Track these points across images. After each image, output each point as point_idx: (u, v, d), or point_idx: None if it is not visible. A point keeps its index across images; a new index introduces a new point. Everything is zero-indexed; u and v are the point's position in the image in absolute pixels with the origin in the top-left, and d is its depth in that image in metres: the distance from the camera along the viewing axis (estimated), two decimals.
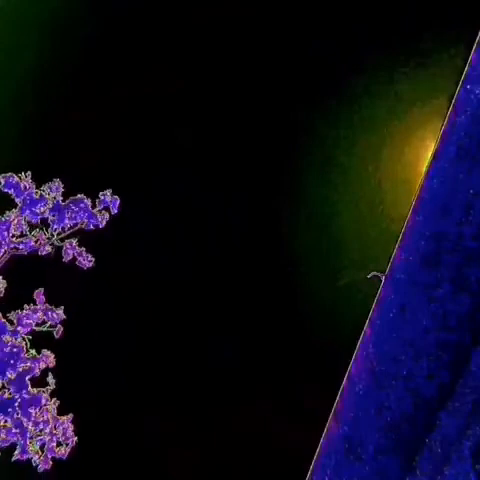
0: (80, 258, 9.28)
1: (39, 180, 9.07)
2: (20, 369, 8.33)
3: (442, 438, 6.15)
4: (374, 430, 6.89)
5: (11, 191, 8.71)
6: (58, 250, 9.23)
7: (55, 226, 9.03)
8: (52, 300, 9.26)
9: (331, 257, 12.30)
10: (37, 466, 8.79)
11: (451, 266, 6.48)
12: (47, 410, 8.76)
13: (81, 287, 11.70)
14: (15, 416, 8.27)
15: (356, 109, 12.31)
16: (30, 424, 8.39)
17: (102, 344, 12.49)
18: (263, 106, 12.72)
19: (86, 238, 9.50)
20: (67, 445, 9.11)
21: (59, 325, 9.10)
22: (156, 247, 12.79)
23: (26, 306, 8.87)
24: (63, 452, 9.05)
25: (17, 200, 8.77)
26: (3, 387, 8.34)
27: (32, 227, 9.04)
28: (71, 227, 9.19)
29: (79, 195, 9.16)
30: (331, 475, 7.36)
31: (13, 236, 8.80)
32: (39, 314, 8.92)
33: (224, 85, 12.90)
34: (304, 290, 12.30)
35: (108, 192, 9.33)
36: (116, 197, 9.39)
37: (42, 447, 8.85)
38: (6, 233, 8.59)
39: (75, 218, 9.08)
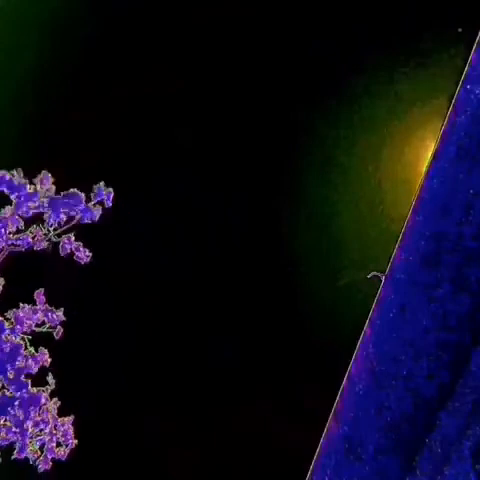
0: (77, 253, 9.25)
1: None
2: (17, 366, 8.32)
3: (442, 438, 6.15)
4: (374, 430, 6.89)
5: (4, 188, 8.65)
6: (55, 246, 9.20)
7: (51, 221, 8.97)
8: (50, 297, 9.25)
9: (331, 257, 12.30)
10: (37, 466, 8.79)
11: (451, 266, 6.48)
12: (47, 410, 8.76)
13: (80, 287, 11.71)
14: (15, 414, 8.27)
15: (356, 109, 12.31)
16: (30, 424, 8.38)
17: (101, 343, 12.49)
18: (263, 106, 12.72)
19: (86, 238, 9.50)
20: (67, 446, 9.10)
21: (59, 326, 9.09)
22: (156, 247, 12.79)
23: (24, 305, 8.86)
24: (62, 453, 9.05)
25: (12, 197, 8.71)
26: (3, 387, 8.34)
27: (27, 223, 8.99)
28: (67, 222, 9.13)
29: (72, 190, 9.07)
30: (331, 475, 7.36)
31: (10, 233, 8.77)
32: (39, 315, 8.92)
33: (224, 85, 12.90)
34: (304, 290, 12.30)
35: (101, 184, 9.22)
36: (110, 190, 9.29)
37: (42, 447, 8.85)
38: (3, 230, 8.57)
39: (69, 213, 9.02)
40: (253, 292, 12.46)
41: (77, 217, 9.09)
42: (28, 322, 8.74)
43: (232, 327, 12.27)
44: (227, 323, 12.27)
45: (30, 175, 8.94)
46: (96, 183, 9.25)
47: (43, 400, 8.62)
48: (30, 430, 8.44)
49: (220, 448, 12.15)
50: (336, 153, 12.43)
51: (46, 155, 12.59)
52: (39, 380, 8.80)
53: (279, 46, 12.70)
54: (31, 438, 8.59)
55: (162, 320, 12.57)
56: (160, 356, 12.56)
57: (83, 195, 9.07)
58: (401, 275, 7.15)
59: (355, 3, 12.27)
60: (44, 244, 9.04)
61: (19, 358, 8.36)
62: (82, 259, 9.28)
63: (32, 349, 8.60)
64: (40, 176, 8.89)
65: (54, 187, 8.99)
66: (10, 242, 8.77)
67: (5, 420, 8.33)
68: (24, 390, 8.32)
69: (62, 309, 9.20)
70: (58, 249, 9.19)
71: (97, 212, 9.18)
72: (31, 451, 8.64)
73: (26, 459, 8.66)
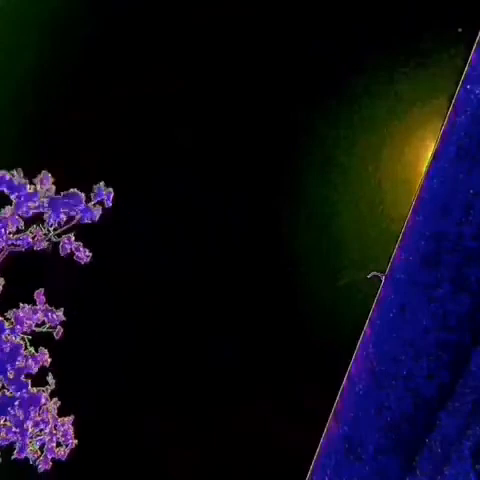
0: (77, 253, 9.25)
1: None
2: (17, 366, 8.32)
3: (442, 438, 6.15)
4: (374, 430, 6.89)
5: (4, 188, 8.65)
6: (55, 246, 9.20)
7: (51, 221, 8.98)
8: (50, 297, 9.25)
9: (331, 257, 12.30)
10: (37, 466, 8.79)
11: (451, 266, 6.47)
12: (47, 410, 8.76)
13: (80, 287, 11.71)
14: (15, 414, 8.26)
15: (356, 109, 12.31)
16: (30, 424, 8.38)
17: (101, 343, 12.49)
18: (263, 106, 12.72)
19: (86, 238, 9.50)
20: (67, 446, 9.10)
21: (59, 326, 9.08)
22: (156, 247, 12.79)
23: (24, 305, 8.85)
24: (62, 453, 9.04)
25: (12, 197, 8.72)
26: (3, 387, 8.34)
27: (27, 223, 8.99)
28: (67, 222, 9.13)
29: (72, 189, 9.08)
30: (331, 475, 7.36)
31: (10, 233, 8.77)
32: (39, 315, 8.91)
33: (224, 85, 12.90)
34: (304, 290, 12.30)
35: (101, 184, 9.22)
36: (110, 190, 9.29)
37: (42, 447, 8.85)
38: (3, 230, 8.57)
39: (69, 213, 9.02)
40: (253, 292, 12.45)
41: (77, 217, 9.09)
42: (28, 322, 8.74)
43: (232, 327, 12.26)
44: (227, 323, 12.27)
45: (30, 175, 8.93)
46: (96, 183, 9.25)
47: (43, 400, 8.61)
48: (30, 430, 8.44)
49: (220, 448, 12.14)
50: (336, 153, 12.43)
51: (46, 155, 12.59)
52: (39, 380, 8.80)
53: (279, 46, 12.70)
54: (31, 438, 8.59)
55: (162, 320, 12.57)
56: (160, 356, 12.56)
57: (83, 195, 9.07)
58: (401, 275, 7.15)
59: (355, 3, 12.27)
60: (44, 244, 9.04)
61: (19, 358, 8.35)
62: (82, 259, 9.28)
63: (32, 349, 8.60)
64: (40, 176, 8.89)
65: (54, 187, 8.99)
66: (10, 242, 8.77)
67: (5, 420, 8.33)
68: (24, 390, 8.32)
69: (62, 309, 9.20)
70: (58, 249, 9.19)
71: (97, 212, 9.18)
72: (31, 451, 8.64)
73: (26, 459, 8.66)
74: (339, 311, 11.73)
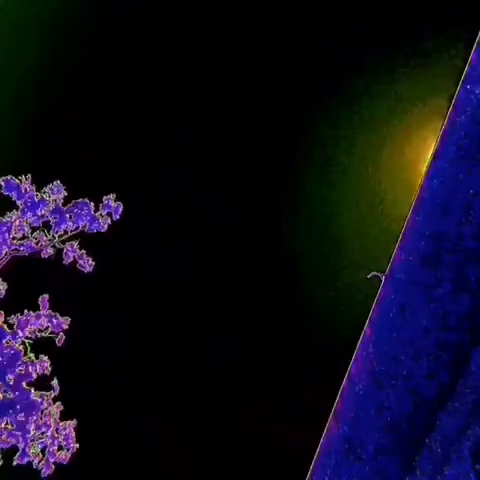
0: (81, 261, 9.29)
1: (40, 181, 9.07)
2: (18, 371, 8.31)
3: (442, 438, 6.15)
4: (374, 430, 6.88)
5: (12, 194, 8.71)
6: (59, 252, 9.23)
7: (56, 228, 9.04)
8: (53, 302, 9.25)
9: (331, 257, 12.30)
10: (39, 470, 8.77)
11: (451, 266, 6.47)
12: (49, 413, 8.75)
13: (82, 289, 11.69)
14: (17, 418, 8.25)
15: (356, 109, 12.31)
16: (32, 427, 8.36)
17: (103, 345, 12.48)
18: (263, 106, 12.72)
19: (87, 237, 9.50)
20: (68, 450, 9.07)
21: (61, 333, 9.05)
22: (156, 247, 12.78)
23: (28, 313, 8.85)
24: (64, 457, 9.01)
25: (18, 202, 8.77)
26: (5, 391, 8.32)
27: (34, 229, 9.04)
28: (73, 230, 9.21)
29: (81, 199, 9.16)
30: (331, 475, 7.36)
31: (14, 238, 8.80)
32: (42, 320, 8.90)
33: (224, 85, 12.89)
34: (304, 290, 12.30)
35: (112, 196, 9.35)
36: (119, 203, 9.41)
37: (43, 450, 8.83)
38: (7, 234, 8.58)
39: (77, 221, 9.10)
40: (253, 292, 12.45)
41: (84, 227, 9.16)
42: (31, 327, 8.73)
43: (232, 327, 12.26)
44: (227, 323, 12.26)
45: (30, 178, 8.95)
46: (95, 182, 9.26)
47: (45, 404, 8.60)
48: (32, 433, 8.41)
49: (220, 448, 12.14)
50: (336, 153, 12.43)
51: (46, 156, 12.59)
52: (42, 385, 8.79)
53: (279, 46, 12.70)
54: (32, 441, 8.57)
55: (162, 320, 12.57)
56: (161, 357, 12.55)
57: (92, 205, 9.16)
58: (401, 275, 7.15)
59: (355, 3, 12.26)
60: (50, 250, 9.08)
61: (19, 364, 8.34)
62: (85, 269, 9.30)
63: (32, 355, 8.58)
64: (51, 185, 8.95)
65: (62, 195, 9.05)
66: (13, 247, 8.77)
67: (6, 423, 8.32)
68: (25, 394, 8.31)
69: (68, 318, 9.17)
70: (61, 255, 9.23)
71: (104, 223, 9.26)
72: (33, 454, 8.61)
73: (29, 463, 8.64)
74: (339, 311, 11.73)
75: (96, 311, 12.22)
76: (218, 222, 12.76)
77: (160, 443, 12.40)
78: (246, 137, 12.78)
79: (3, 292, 8.78)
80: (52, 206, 8.93)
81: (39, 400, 8.47)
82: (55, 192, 8.96)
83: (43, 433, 8.70)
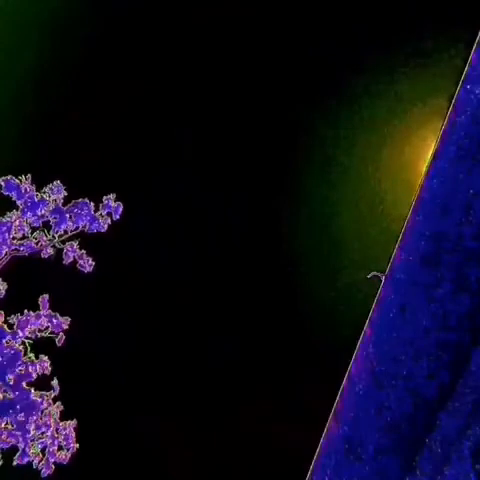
0: (81, 261, 9.29)
1: (40, 181, 9.07)
2: (18, 371, 8.32)
3: (442, 438, 6.15)
4: (374, 430, 6.88)
5: (12, 194, 8.71)
6: (59, 252, 9.24)
7: (56, 228, 9.04)
8: (53, 302, 9.25)
9: (331, 257, 12.30)
10: (37, 468, 8.77)
11: (451, 266, 6.47)
12: (49, 413, 8.75)
13: (82, 289, 11.69)
14: (17, 418, 8.25)
15: (356, 109, 12.31)
16: (32, 427, 8.36)
17: (103, 345, 12.48)
18: (263, 106, 12.72)
19: (87, 237, 9.50)
20: (68, 450, 9.07)
21: (61, 333, 9.06)
22: (156, 247, 12.78)
23: (28, 313, 8.85)
24: (64, 457, 9.01)
25: (18, 202, 8.78)
26: (5, 391, 8.33)
27: (34, 229, 9.05)
28: (73, 230, 9.21)
29: (81, 199, 9.16)
30: (331, 475, 7.36)
31: (14, 238, 8.80)
32: (42, 320, 8.90)
33: (224, 85, 12.89)
34: (304, 290, 12.30)
35: (112, 196, 9.35)
36: (119, 203, 9.41)
37: (43, 450, 8.83)
38: (7, 234, 8.58)
39: (77, 221, 9.10)
40: (253, 292, 12.45)
41: (84, 227, 9.17)
42: (31, 327, 8.74)
43: (232, 327, 12.26)
44: (227, 323, 12.26)
45: (30, 178, 8.95)
46: (95, 182, 9.27)
47: (45, 404, 8.61)
48: (32, 433, 8.42)
49: (220, 448, 12.14)
50: (336, 153, 12.43)
51: (46, 156, 12.59)
52: (42, 385, 8.79)
53: (279, 46, 12.69)
54: (32, 441, 8.57)
55: (162, 321, 12.57)
56: (161, 357, 12.55)
57: (92, 205, 9.16)
58: (401, 275, 7.15)
59: (355, 3, 12.26)
60: (50, 250, 9.08)
61: (19, 364, 8.34)
62: (85, 269, 9.30)
63: (32, 355, 8.58)
64: (51, 186, 8.95)
65: (62, 195, 9.05)
66: (13, 247, 8.78)
67: (6, 423, 8.33)
68: (25, 394, 8.31)
69: (68, 318, 9.18)
70: (61, 255, 9.23)
71: (104, 223, 9.27)
72: (33, 454, 8.61)
73: (29, 463, 8.64)
74: (339, 311, 11.73)
75: (96, 311, 12.22)
76: (218, 222, 12.76)
77: (160, 443, 12.39)
78: (246, 137, 12.78)
79: (3, 292, 8.78)
80: (52, 206, 8.94)
81: (39, 400, 8.48)
82: (55, 192, 8.97)
83: (43, 433, 8.70)
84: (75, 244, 9.26)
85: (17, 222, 8.71)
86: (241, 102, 12.72)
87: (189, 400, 12.46)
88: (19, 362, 8.33)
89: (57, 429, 8.91)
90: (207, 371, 12.32)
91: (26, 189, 8.77)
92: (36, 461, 8.72)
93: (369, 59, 12.09)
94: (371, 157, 12.22)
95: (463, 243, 6.53)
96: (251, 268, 12.50)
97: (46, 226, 9.09)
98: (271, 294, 12.40)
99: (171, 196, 12.77)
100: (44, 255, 9.11)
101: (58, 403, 8.96)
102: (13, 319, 8.67)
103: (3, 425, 8.32)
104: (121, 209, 9.44)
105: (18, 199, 8.75)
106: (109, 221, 9.41)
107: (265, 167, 12.63)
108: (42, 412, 8.62)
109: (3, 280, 8.81)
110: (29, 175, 8.85)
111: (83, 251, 9.34)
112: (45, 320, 8.91)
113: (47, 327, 8.99)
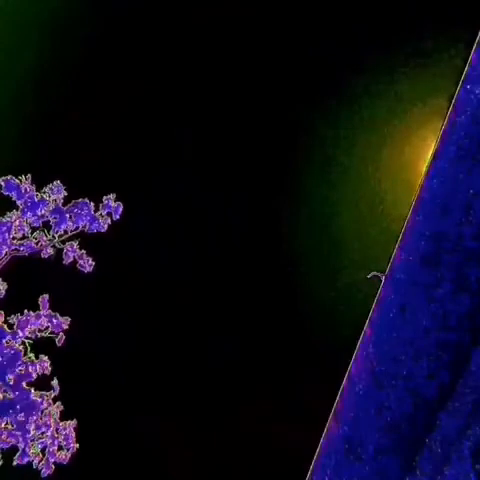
0: (81, 261, 9.30)
1: (40, 181, 9.08)
2: (18, 371, 8.32)
3: (442, 438, 6.15)
4: (374, 430, 6.88)
5: (12, 194, 8.71)
6: (59, 252, 9.24)
7: (56, 228, 9.05)
8: (53, 302, 9.25)
9: (331, 257, 12.30)
10: (37, 468, 8.77)
11: (451, 266, 6.47)
12: (49, 413, 8.75)
13: (82, 289, 11.69)
14: (17, 418, 8.26)
15: (356, 109, 12.31)
16: (32, 427, 8.37)
17: (103, 345, 12.48)
18: (263, 106, 12.72)
19: (87, 237, 9.50)
20: (68, 450, 9.07)
21: (61, 333, 9.06)
22: (156, 247, 12.78)
23: (28, 313, 8.85)
24: (64, 457, 9.02)
25: (18, 202, 8.78)
26: (5, 391, 8.33)
27: (34, 229, 9.05)
28: (73, 230, 9.22)
29: (81, 199, 9.17)
30: (331, 475, 7.36)
31: (14, 238, 8.80)
32: (42, 320, 8.90)
33: (224, 85, 12.90)
34: (304, 290, 12.30)
35: (112, 196, 9.36)
36: (119, 203, 9.42)
37: (43, 450, 8.83)
38: (7, 234, 8.58)
39: (77, 221, 9.11)
40: (253, 292, 12.45)
41: (84, 227, 9.17)
42: (31, 327, 8.74)
43: (232, 327, 12.26)
44: (227, 323, 12.26)
45: (30, 178, 8.95)
46: (95, 182, 9.27)
47: (45, 404, 8.61)
48: (32, 433, 8.42)
49: (220, 448, 12.14)
50: (336, 153, 12.43)
51: (46, 156, 12.59)
52: (42, 385, 8.79)
53: (279, 46, 12.70)
54: (32, 441, 8.57)
55: (162, 321, 12.57)
56: (161, 357, 12.55)
57: (92, 205, 9.16)
58: (401, 275, 7.15)
59: (355, 3, 12.26)
60: (50, 250, 9.09)
61: (19, 364, 8.35)
62: (85, 269, 9.31)
63: (32, 355, 8.58)
64: (51, 186, 8.96)
65: (62, 195, 9.05)
66: (13, 247, 8.78)
67: (6, 423, 8.33)
68: (25, 394, 8.31)
69: (68, 318, 9.18)
70: (61, 255, 9.24)
71: (104, 223, 9.27)
72: (33, 454, 8.61)
73: (29, 463, 8.64)
74: (339, 311, 11.73)
75: (96, 311, 12.22)
76: (218, 222, 12.76)
77: (160, 443, 12.39)
78: (246, 137, 12.78)
79: (3, 292, 8.78)
80: (52, 206, 8.95)
81: (39, 400, 8.48)
82: (55, 192, 8.97)
83: (43, 433, 8.71)
84: (75, 244, 9.26)
85: (17, 222, 8.71)
86: (241, 102, 12.72)
87: (189, 400, 12.46)
88: (19, 362, 8.33)
89: (57, 429, 8.92)
90: (207, 371, 12.32)
91: (26, 189, 8.78)
92: (36, 461, 8.72)
93: (369, 59, 12.09)
94: (371, 157, 12.22)
95: (463, 243, 6.53)
96: (251, 268, 12.50)
97: (46, 226, 9.10)
98: (271, 294, 12.40)
99: (171, 196, 12.77)
100: (44, 255, 9.11)
101: (58, 403, 8.96)
102: (13, 319, 8.67)
103: (3, 425, 8.32)
104: (121, 209, 9.45)
105: (18, 199, 8.76)
106: (109, 221, 9.41)
107: (265, 167, 12.64)
108: (42, 412, 8.62)
109: (3, 280, 8.81)
110: (29, 175, 8.85)
111: (83, 251, 9.34)
112: (45, 320, 8.91)
113: (47, 327, 8.99)
